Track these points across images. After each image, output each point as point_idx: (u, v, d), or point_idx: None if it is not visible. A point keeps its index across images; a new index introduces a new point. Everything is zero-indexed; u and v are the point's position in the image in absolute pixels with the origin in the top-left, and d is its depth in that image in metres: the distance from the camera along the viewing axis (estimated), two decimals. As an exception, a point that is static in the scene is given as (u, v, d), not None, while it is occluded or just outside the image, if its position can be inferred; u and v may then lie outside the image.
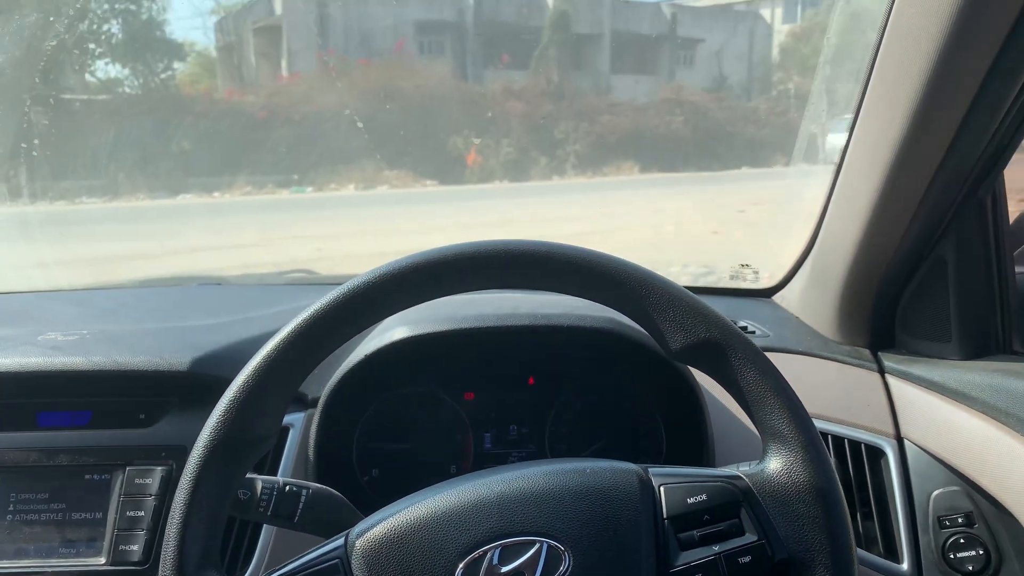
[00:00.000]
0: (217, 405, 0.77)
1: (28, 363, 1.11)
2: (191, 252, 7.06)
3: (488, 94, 18.99)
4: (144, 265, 6.44)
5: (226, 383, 0.76)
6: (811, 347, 1.32)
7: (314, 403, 1.21)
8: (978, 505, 1.15)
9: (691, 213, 9.68)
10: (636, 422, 1.33)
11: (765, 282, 1.67)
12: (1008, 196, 1.20)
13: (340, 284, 0.88)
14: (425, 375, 1.31)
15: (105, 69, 18.34)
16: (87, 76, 17.91)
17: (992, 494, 1.11)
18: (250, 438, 0.77)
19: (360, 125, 14.02)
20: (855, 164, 1.22)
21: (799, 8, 28.61)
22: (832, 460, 0.82)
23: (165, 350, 1.14)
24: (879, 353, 1.31)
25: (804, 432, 0.78)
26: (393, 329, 1.23)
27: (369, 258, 6.48)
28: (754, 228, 8.24)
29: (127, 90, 18.07)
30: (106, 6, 17.86)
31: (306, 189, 13.75)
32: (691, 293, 0.87)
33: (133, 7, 18.18)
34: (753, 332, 1.39)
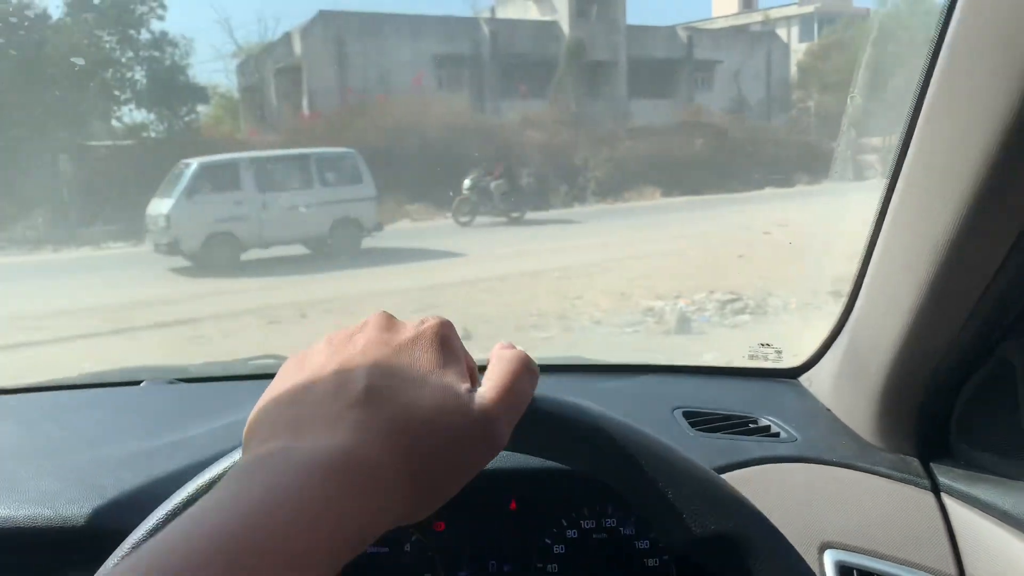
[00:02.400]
0: None
1: None
2: (216, 294, 7.09)
3: (506, 124, 19.07)
4: (165, 309, 6.46)
5: (127, 536, 0.64)
6: (848, 456, 1.09)
7: None
8: None
9: (715, 237, 9.56)
10: (642, 556, 1.06)
11: (789, 360, 1.43)
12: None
13: None
14: None
15: (130, 115, 18.77)
16: (113, 122, 18.33)
17: None
18: None
19: (375, 159, 14.13)
20: (894, 249, 1.01)
21: (815, 26, 28.57)
22: None
23: (65, 496, 0.98)
24: (931, 464, 1.08)
25: None
26: None
27: (389, 295, 6.44)
28: (780, 250, 8.11)
29: (152, 134, 18.43)
30: (131, 54, 18.31)
31: (329, 225, 13.81)
32: (697, 464, 0.67)
33: (157, 53, 18.59)
34: (777, 434, 1.16)
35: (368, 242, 10.59)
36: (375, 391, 0.44)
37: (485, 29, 21.82)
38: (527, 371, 0.52)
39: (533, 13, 23.31)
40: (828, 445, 1.12)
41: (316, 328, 5.61)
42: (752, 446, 1.11)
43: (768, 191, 18.11)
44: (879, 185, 1.01)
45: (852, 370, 1.16)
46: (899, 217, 0.96)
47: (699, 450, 1.04)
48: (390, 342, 0.49)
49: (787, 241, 8.65)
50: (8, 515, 0.96)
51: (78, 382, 1.49)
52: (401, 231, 13.35)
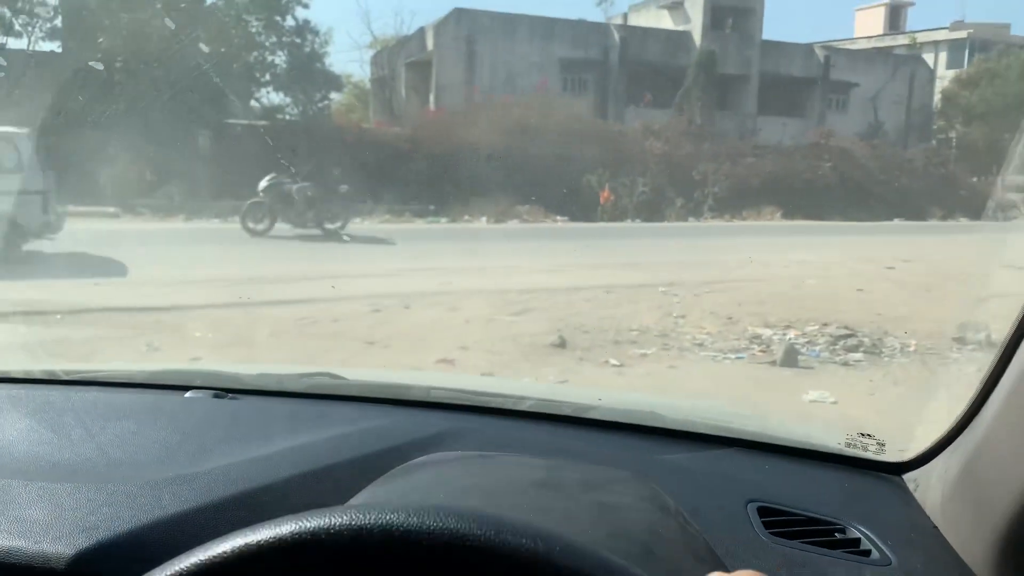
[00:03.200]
0: None
1: None
2: (319, 279, 7.33)
3: (627, 132, 18.89)
4: (276, 289, 6.72)
5: None
6: None
7: None
8: None
9: (835, 267, 9.14)
10: None
11: (894, 454, 1.17)
12: None
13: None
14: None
15: (268, 97, 19.72)
16: (252, 103, 19.30)
17: None
18: None
19: (492, 159, 14.23)
20: None
21: (966, 52, 26.85)
22: None
23: (52, 531, 0.90)
24: None
25: None
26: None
27: (490, 295, 6.48)
28: (904, 288, 7.67)
29: (287, 117, 19.28)
30: (274, 39, 19.24)
31: (441, 220, 14.10)
32: None
33: (298, 40, 19.44)
34: (868, 552, 0.95)
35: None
36: None
37: (615, 35, 21.68)
38: None
39: (666, 22, 22.98)
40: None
41: (418, 318, 5.71)
42: (835, 565, 0.94)
43: (897, 223, 17.20)
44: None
45: (971, 486, 0.96)
46: None
47: (770, 559, 0.89)
48: None
49: (911, 279, 8.19)
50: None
51: (128, 380, 1.43)
52: (510, 230, 13.46)
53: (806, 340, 5.28)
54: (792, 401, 4.06)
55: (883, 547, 0.96)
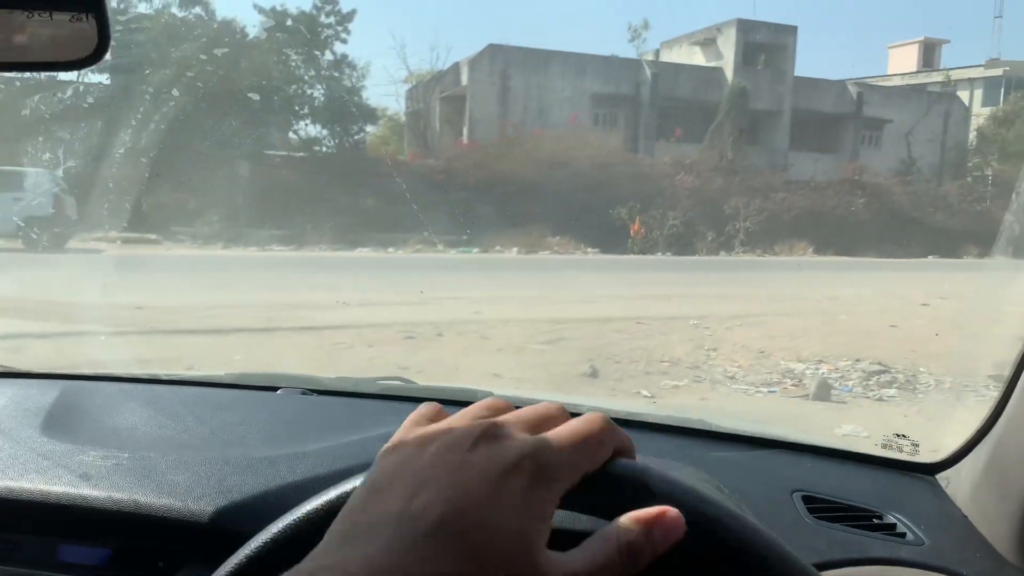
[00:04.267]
0: None
1: (51, 492, 1.07)
2: (359, 306, 7.46)
3: (658, 166, 18.99)
4: (311, 315, 6.85)
5: (245, 539, 0.66)
6: (980, 571, 1.01)
7: None
8: None
9: (868, 303, 9.08)
10: None
11: (927, 455, 1.27)
12: None
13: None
14: None
15: (306, 129, 20.17)
16: (290, 134, 19.76)
17: None
18: None
19: (524, 191, 14.40)
20: None
21: (1002, 90, 26.65)
22: None
23: (193, 492, 1.05)
24: None
25: None
26: None
27: (521, 324, 6.55)
28: (939, 324, 7.59)
29: (324, 149, 19.69)
30: (313, 72, 19.74)
31: (472, 250, 14.24)
32: (793, 557, 0.58)
33: (337, 74, 19.93)
34: (903, 534, 1.06)
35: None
36: (446, 527, 0.40)
37: (647, 71, 21.89)
38: (632, 553, 0.44)
39: (698, 58, 23.16)
40: (959, 556, 1.03)
41: (451, 345, 5.79)
42: (873, 544, 1.02)
43: (931, 259, 17.00)
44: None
45: (997, 475, 1.07)
46: None
47: (814, 539, 0.98)
48: (477, 463, 0.43)
49: (946, 316, 8.11)
50: (141, 502, 1.03)
51: (222, 381, 1.60)
52: (541, 261, 13.55)
53: (839, 375, 5.27)
54: (825, 435, 4.05)
55: (917, 531, 1.05)
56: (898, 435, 1.35)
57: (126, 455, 1.15)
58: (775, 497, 1.09)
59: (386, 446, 0.48)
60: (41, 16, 0.68)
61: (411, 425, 0.50)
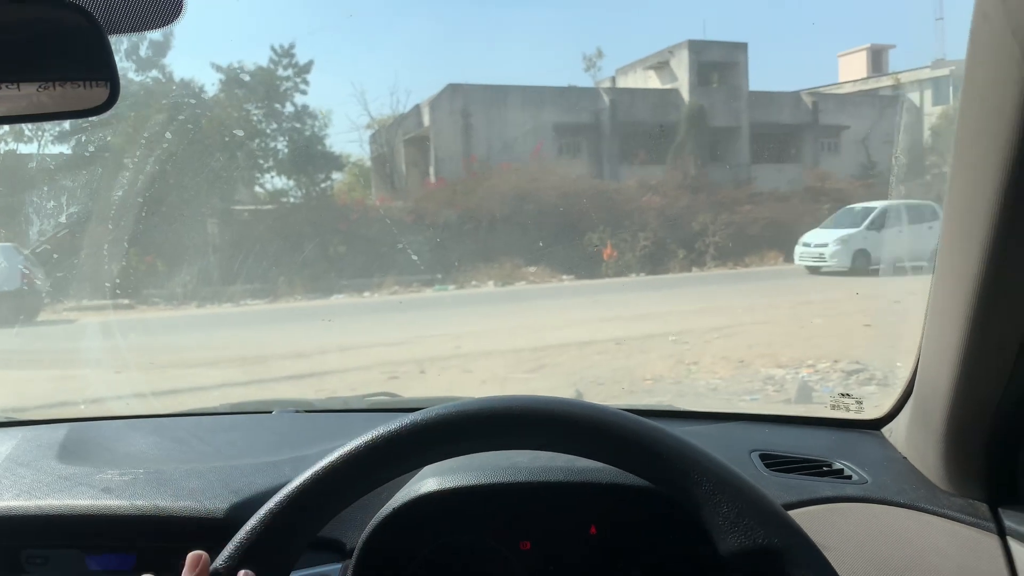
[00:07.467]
0: (223, 550, 0.80)
1: (76, 505, 1.15)
2: (339, 351, 7.43)
3: (624, 189, 19.19)
4: (293, 364, 6.81)
5: None
6: (915, 499, 1.10)
7: (351, 553, 1.14)
8: None
9: (841, 304, 9.21)
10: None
11: (872, 412, 1.43)
12: None
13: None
14: (475, 523, 1.18)
15: (272, 182, 20.17)
16: (256, 188, 19.75)
17: None
18: None
19: (495, 224, 14.50)
20: (942, 293, 1.00)
21: (951, 89, 27.33)
22: None
23: (207, 493, 1.15)
24: (999, 510, 1.06)
25: None
26: (425, 480, 1.17)
27: (503, 355, 6.57)
28: (911, 318, 7.71)
29: (291, 200, 19.70)
30: (275, 125, 19.80)
31: (448, 287, 14.26)
32: (752, 483, 0.74)
33: (298, 124, 20.01)
34: (849, 477, 1.17)
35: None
36: None
37: (605, 98, 22.23)
38: None
39: (653, 82, 23.58)
40: (898, 489, 1.13)
41: (434, 382, 5.79)
42: (822, 486, 1.13)
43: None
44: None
45: (923, 418, 1.16)
46: (944, 261, 0.99)
47: (770, 486, 1.10)
48: None
49: (918, 312, 8.23)
50: (162, 505, 1.13)
51: (218, 410, 1.73)
52: (518, 292, 13.59)
53: (819, 377, 5.34)
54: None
55: (862, 472, 1.19)
56: (843, 394, 1.56)
57: (141, 471, 1.25)
58: (734, 456, 1.24)
59: None
60: (55, 88, 0.72)
61: None
